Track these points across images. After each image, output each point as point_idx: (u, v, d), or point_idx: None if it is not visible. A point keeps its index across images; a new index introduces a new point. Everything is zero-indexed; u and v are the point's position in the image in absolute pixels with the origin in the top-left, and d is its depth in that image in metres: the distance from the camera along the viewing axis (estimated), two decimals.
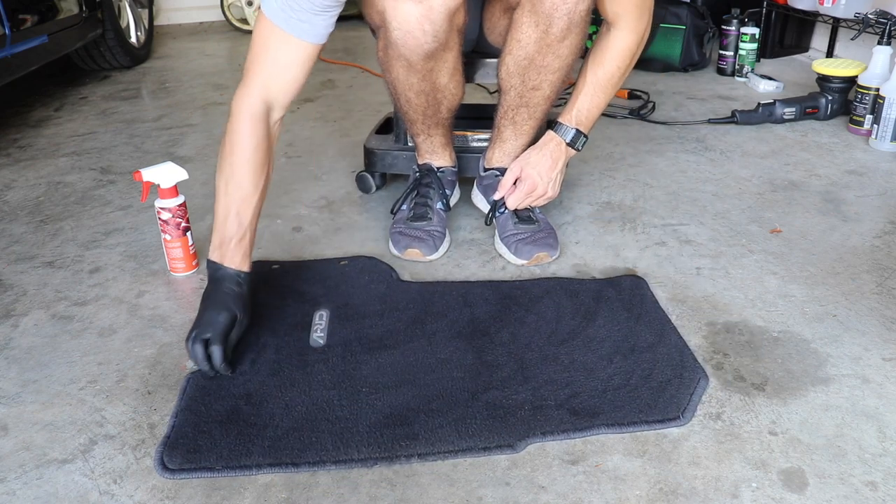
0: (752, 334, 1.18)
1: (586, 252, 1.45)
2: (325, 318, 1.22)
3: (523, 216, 1.44)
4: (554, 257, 1.41)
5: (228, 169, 1.15)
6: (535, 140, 1.44)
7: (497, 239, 1.46)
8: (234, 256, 1.14)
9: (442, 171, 1.52)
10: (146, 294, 1.34)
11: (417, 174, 1.53)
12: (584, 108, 1.37)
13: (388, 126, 1.81)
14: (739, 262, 1.39)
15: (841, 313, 1.22)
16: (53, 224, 1.64)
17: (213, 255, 1.15)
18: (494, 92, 2.35)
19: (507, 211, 1.44)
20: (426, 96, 1.34)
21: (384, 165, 1.68)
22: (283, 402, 1.03)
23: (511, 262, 1.41)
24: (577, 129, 1.39)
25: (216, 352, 1.06)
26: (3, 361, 1.16)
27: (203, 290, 1.15)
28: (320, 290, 1.32)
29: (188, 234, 1.39)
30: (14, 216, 1.70)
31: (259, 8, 1.18)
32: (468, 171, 1.61)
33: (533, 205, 1.43)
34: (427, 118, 1.41)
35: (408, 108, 1.38)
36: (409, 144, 1.65)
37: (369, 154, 1.68)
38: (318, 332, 1.19)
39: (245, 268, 1.15)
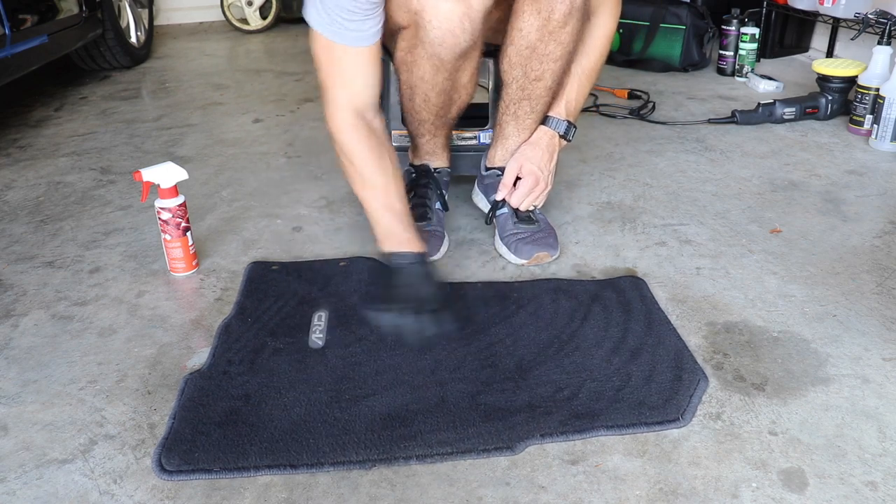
0: (752, 334, 1.18)
1: (586, 252, 1.45)
2: (324, 319, 1.22)
3: (523, 216, 1.44)
4: (554, 257, 1.41)
5: (359, 177, 1.25)
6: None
7: (497, 239, 1.46)
8: (403, 242, 1.23)
9: (438, 172, 1.52)
10: (146, 294, 1.34)
11: (413, 174, 1.52)
12: (572, 98, 1.39)
13: None
14: (739, 262, 1.39)
15: (841, 313, 1.22)
16: (53, 224, 1.64)
17: (386, 246, 1.24)
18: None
19: (507, 210, 1.44)
20: (446, 95, 1.33)
21: None
22: (281, 404, 1.03)
23: (511, 261, 1.41)
24: (568, 121, 1.41)
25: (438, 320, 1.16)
26: (3, 361, 1.16)
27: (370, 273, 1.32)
28: (320, 290, 1.32)
29: (188, 234, 1.38)
30: (14, 216, 1.70)
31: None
32: (458, 169, 1.61)
33: (535, 202, 1.43)
34: (439, 118, 1.40)
35: (423, 107, 1.37)
36: (393, 144, 1.64)
37: None
38: (317, 334, 1.19)
39: (416, 248, 1.23)
